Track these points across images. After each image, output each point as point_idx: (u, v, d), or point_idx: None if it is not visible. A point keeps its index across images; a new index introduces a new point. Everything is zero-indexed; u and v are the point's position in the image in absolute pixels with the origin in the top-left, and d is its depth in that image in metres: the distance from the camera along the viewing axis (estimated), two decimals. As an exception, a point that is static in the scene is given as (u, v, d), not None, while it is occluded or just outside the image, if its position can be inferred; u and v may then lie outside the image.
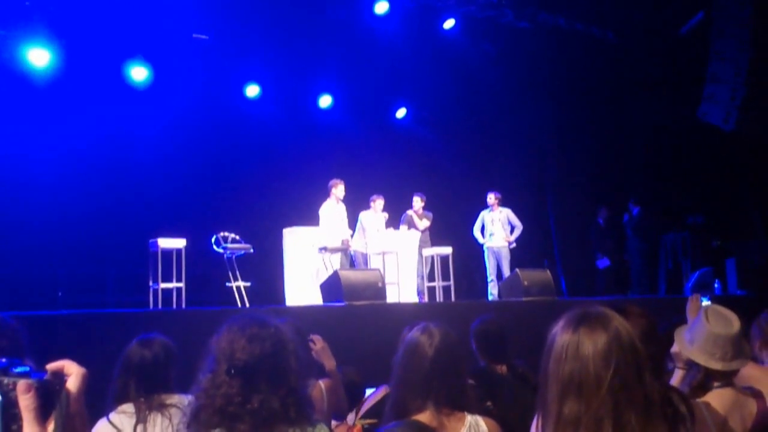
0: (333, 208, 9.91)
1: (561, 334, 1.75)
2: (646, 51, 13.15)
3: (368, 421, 3.73)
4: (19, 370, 1.19)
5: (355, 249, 10.31)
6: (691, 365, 2.98)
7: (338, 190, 9.96)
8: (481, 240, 11.18)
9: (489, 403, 3.04)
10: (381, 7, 11.65)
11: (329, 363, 3.74)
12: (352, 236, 10.22)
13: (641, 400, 1.66)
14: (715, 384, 2.93)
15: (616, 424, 1.64)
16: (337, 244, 9.79)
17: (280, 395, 1.92)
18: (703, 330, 2.92)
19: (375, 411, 3.69)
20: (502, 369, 4.12)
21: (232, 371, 1.91)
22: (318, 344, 3.75)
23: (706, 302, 3.12)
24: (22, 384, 1.17)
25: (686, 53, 12.75)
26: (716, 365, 2.89)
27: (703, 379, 2.94)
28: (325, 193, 10.03)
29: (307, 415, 1.98)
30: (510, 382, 3.95)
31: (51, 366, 1.23)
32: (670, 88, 12.98)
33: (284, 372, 1.96)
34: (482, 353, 4.21)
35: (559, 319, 1.81)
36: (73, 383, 1.24)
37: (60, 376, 1.24)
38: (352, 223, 10.21)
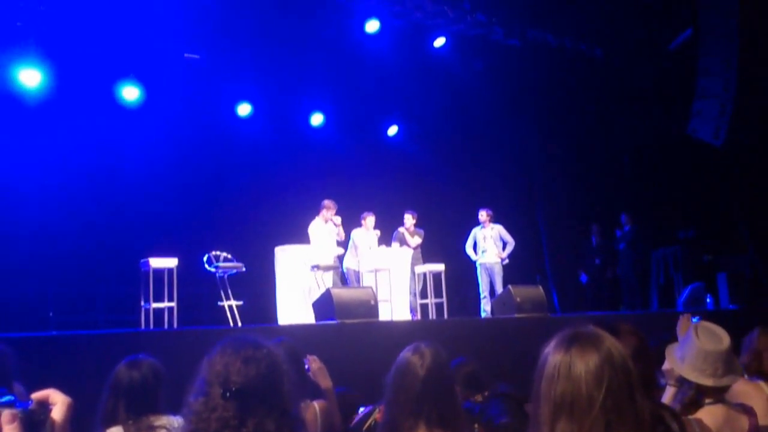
0: (321, 226, 9.94)
1: (553, 354, 1.75)
2: (635, 67, 13.25)
3: None
4: (3, 399, 1.17)
5: (347, 267, 10.32)
6: (682, 382, 2.99)
7: (329, 212, 9.98)
8: (473, 257, 11.19)
9: (476, 426, 3.05)
10: (372, 26, 11.71)
11: (325, 383, 3.72)
12: (344, 254, 10.25)
13: (632, 420, 1.67)
14: (707, 401, 2.93)
15: None
16: (330, 262, 9.79)
17: (274, 418, 1.91)
18: (694, 347, 2.93)
19: (354, 429, 3.68)
20: (479, 398, 4.13)
21: (228, 394, 1.90)
22: (315, 364, 3.74)
23: (696, 322, 3.13)
24: (6, 414, 1.15)
25: (675, 69, 12.85)
26: (707, 382, 2.90)
27: (695, 396, 2.94)
28: (317, 212, 10.05)
29: None
30: (486, 404, 3.95)
31: (36, 395, 1.22)
32: (659, 104, 13.06)
33: (279, 394, 1.95)
34: (463, 393, 4.23)
35: (551, 338, 1.81)
36: (58, 412, 1.22)
37: (45, 406, 1.22)
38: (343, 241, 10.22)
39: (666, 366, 3.05)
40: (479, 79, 12.98)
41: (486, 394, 4.13)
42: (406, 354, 2.58)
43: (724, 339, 2.95)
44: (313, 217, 10.05)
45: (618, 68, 13.33)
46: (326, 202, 10.02)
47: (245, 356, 1.95)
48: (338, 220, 10.02)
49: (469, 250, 11.25)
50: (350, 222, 10.58)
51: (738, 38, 11.59)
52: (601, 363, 1.69)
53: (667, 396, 3.02)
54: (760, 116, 11.84)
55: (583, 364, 1.70)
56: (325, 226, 9.97)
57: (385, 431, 2.51)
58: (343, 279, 10.30)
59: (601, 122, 13.80)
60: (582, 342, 1.74)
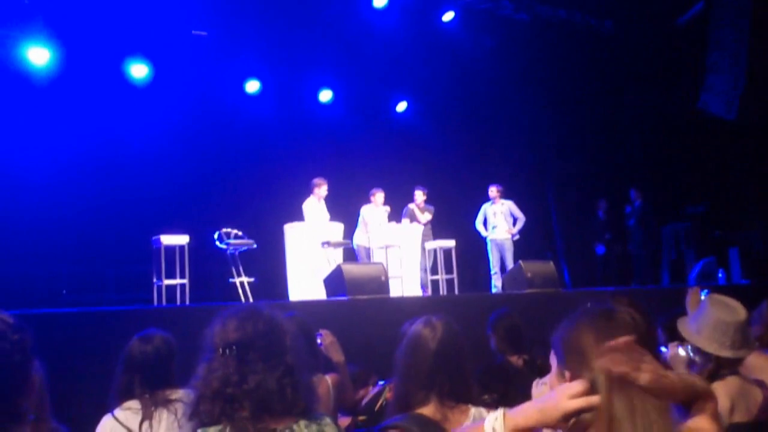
0: (314, 204, 10.00)
1: (581, 335, 1.64)
2: (645, 41, 13.13)
3: (360, 417, 3.74)
4: None
5: (357, 243, 10.34)
6: (696, 355, 2.97)
7: (321, 190, 10.03)
8: (483, 233, 11.18)
9: (486, 396, 3.04)
10: (380, 0, 11.63)
11: (337, 357, 3.75)
12: (354, 231, 10.28)
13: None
14: (723, 372, 2.93)
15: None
16: (339, 238, 9.82)
17: (276, 377, 1.92)
18: (712, 318, 2.91)
19: (367, 407, 3.70)
20: (518, 362, 4.12)
21: (226, 351, 1.91)
22: (327, 338, 3.76)
23: (707, 295, 3.12)
24: None
25: (685, 43, 12.72)
26: (727, 353, 2.88)
27: (715, 368, 2.92)
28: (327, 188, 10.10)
29: (307, 402, 1.98)
30: (525, 374, 3.94)
31: None
32: (670, 78, 12.96)
33: (279, 351, 1.96)
34: (500, 346, 4.23)
35: (568, 316, 1.70)
36: None
37: None
38: (340, 219, 10.21)
39: (671, 352, 3.03)
40: (488, 54, 12.90)
41: (526, 358, 4.11)
42: (417, 327, 2.57)
43: (740, 310, 2.94)
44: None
45: (628, 42, 13.21)
46: (316, 180, 10.06)
47: (242, 316, 1.98)
48: (387, 209, 10.27)
49: (479, 226, 11.24)
50: (360, 199, 10.58)
51: (750, 13, 11.45)
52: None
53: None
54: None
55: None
56: (318, 205, 10.03)
57: (397, 405, 2.51)
58: (354, 255, 10.33)
59: (611, 97, 13.71)
60: (603, 317, 1.65)
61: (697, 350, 2.96)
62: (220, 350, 1.92)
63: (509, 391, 3.67)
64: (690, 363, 2.97)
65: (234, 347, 1.92)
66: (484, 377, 3.84)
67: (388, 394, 3.57)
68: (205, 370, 1.94)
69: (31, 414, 1.62)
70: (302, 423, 1.93)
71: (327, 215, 10.10)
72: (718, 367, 2.92)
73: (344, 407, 3.79)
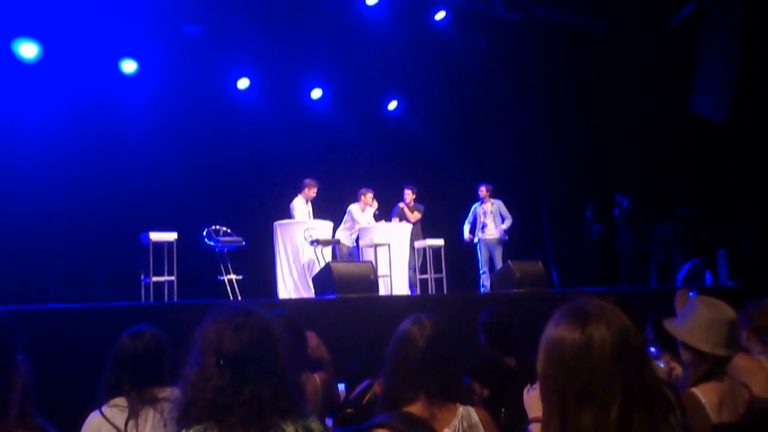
0: (302, 205, 10.03)
1: (568, 335, 1.59)
2: (636, 42, 13.16)
3: (348, 410, 3.75)
4: None
5: (338, 240, 10.34)
6: (685, 352, 2.98)
7: (311, 191, 10.07)
8: (466, 235, 11.13)
9: (475, 398, 3.04)
10: (372, -1, 11.63)
11: (324, 357, 3.75)
12: (335, 230, 10.27)
13: (644, 394, 1.56)
14: (716, 371, 2.93)
15: (626, 418, 1.53)
16: (329, 236, 9.82)
17: (270, 384, 1.92)
18: (705, 317, 2.90)
19: (354, 400, 3.70)
20: (511, 361, 4.10)
21: (222, 362, 1.90)
22: (313, 341, 3.76)
23: (694, 296, 3.13)
24: None
25: (677, 44, 12.76)
26: (722, 351, 2.89)
27: (711, 368, 2.91)
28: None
29: (297, 404, 1.98)
30: (518, 375, 3.89)
31: None
32: (661, 80, 13.00)
33: (273, 360, 1.96)
34: (491, 345, 4.21)
35: (552, 316, 1.66)
36: None
37: None
38: (329, 217, 10.21)
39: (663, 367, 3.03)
40: (480, 54, 12.91)
41: (518, 358, 4.05)
42: (406, 324, 2.56)
43: (729, 309, 2.94)
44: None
45: (620, 43, 13.24)
46: (308, 181, 10.08)
47: (237, 323, 1.95)
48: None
49: (466, 226, 11.19)
50: (349, 197, 10.58)
51: (742, 15, 11.51)
52: (620, 338, 1.57)
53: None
54: (761, 92, 11.78)
55: (601, 342, 1.56)
56: (305, 206, 10.04)
57: (385, 402, 2.50)
58: (333, 253, 10.32)
59: (602, 98, 13.74)
60: (594, 317, 1.60)
61: (689, 349, 2.95)
62: (214, 359, 1.91)
63: (503, 389, 3.66)
64: (687, 365, 2.98)
65: (229, 359, 1.90)
66: (477, 372, 3.84)
67: (376, 388, 3.57)
68: (197, 376, 1.92)
69: (14, 409, 1.61)
70: (289, 421, 1.93)
71: (312, 215, 10.12)
72: (713, 366, 2.91)
73: (331, 407, 3.79)
